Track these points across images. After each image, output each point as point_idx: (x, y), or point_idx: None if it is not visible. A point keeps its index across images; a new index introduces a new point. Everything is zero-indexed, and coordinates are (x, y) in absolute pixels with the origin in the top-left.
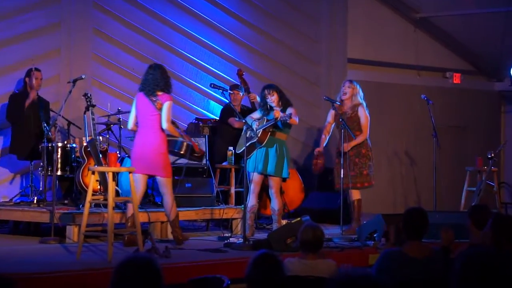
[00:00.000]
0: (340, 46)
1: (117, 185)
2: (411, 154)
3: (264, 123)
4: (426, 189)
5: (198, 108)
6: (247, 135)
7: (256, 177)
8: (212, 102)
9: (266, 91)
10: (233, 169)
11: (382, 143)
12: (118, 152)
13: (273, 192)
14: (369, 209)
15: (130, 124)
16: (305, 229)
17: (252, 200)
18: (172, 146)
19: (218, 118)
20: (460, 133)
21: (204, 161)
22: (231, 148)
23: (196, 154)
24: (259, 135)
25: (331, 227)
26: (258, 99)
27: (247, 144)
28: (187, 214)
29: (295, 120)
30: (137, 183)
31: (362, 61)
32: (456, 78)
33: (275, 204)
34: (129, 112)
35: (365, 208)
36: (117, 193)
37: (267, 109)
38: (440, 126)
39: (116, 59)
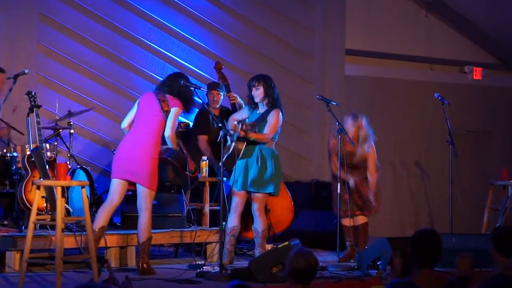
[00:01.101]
0: (336, 36)
1: (67, 203)
2: (422, 164)
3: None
4: (440, 207)
5: None
6: (227, 144)
7: (237, 194)
8: None
9: (251, 83)
10: (207, 183)
11: (386, 152)
12: (68, 162)
13: (256, 210)
14: (371, 231)
15: (125, 123)
16: (295, 256)
17: (233, 221)
18: (163, 152)
19: (190, 122)
20: (481, 139)
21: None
22: (205, 158)
23: (187, 173)
24: (236, 143)
25: (326, 253)
26: (239, 99)
27: (225, 156)
28: (153, 237)
29: (262, 135)
30: (114, 191)
31: (363, 53)
32: (477, 73)
33: (258, 224)
34: (81, 112)
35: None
36: (67, 212)
37: (253, 104)
38: (457, 130)
39: (66, 51)
